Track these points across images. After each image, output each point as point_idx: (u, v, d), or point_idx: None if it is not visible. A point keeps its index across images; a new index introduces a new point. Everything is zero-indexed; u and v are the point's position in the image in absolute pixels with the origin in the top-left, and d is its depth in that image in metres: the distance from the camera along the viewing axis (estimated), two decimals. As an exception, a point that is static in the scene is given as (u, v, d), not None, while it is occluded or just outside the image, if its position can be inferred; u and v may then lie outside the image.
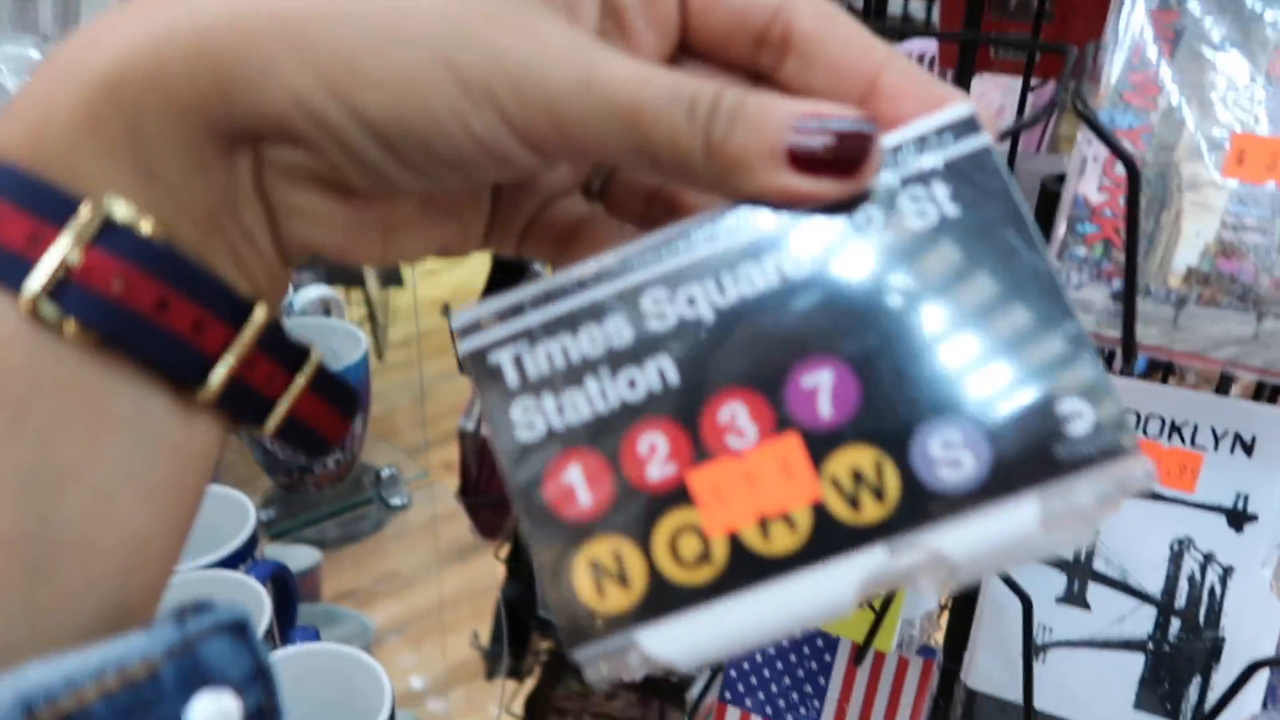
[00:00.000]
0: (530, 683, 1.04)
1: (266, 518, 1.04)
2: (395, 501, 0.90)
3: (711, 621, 0.20)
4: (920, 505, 0.20)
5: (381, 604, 1.30)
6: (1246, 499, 0.35)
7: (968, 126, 0.21)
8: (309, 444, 0.24)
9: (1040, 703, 0.38)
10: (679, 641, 0.20)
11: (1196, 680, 0.36)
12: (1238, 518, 0.35)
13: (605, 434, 0.21)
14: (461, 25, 0.20)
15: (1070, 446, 0.19)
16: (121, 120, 0.19)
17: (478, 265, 0.99)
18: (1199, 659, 0.35)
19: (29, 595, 0.19)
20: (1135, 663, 0.36)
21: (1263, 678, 0.35)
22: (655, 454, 0.21)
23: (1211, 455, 0.35)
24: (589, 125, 0.20)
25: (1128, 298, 0.29)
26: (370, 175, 0.21)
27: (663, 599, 0.20)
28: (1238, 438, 0.34)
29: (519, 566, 0.98)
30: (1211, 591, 0.35)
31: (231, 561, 0.69)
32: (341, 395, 0.25)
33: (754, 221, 0.21)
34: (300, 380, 0.23)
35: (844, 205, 0.21)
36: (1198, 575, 0.35)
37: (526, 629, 1.03)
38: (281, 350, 0.22)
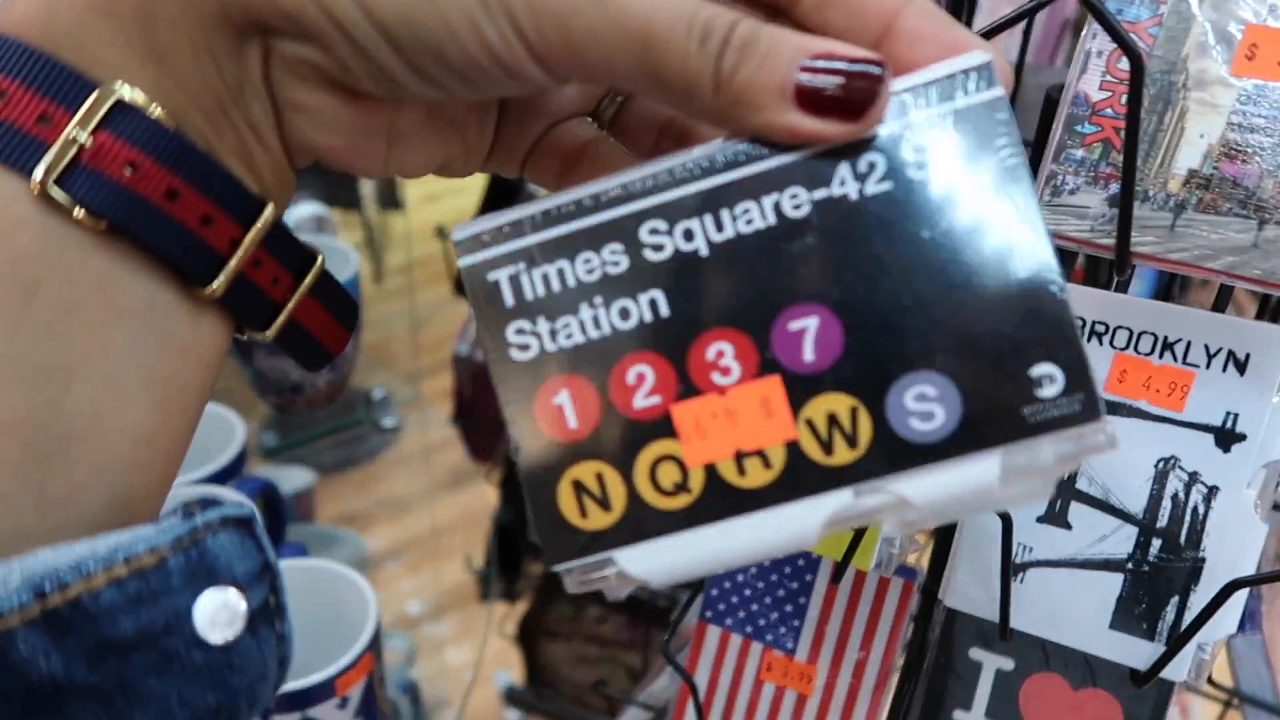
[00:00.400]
0: (523, 606, 1.05)
1: (263, 441, 1.05)
2: (387, 423, 0.90)
3: (685, 546, 0.21)
4: (890, 453, 0.21)
5: (379, 529, 1.32)
6: (1236, 418, 0.34)
7: (982, 76, 0.20)
8: (309, 353, 0.24)
9: (1017, 622, 0.38)
10: (653, 562, 0.21)
11: (1175, 600, 0.35)
12: (1226, 437, 0.34)
13: (596, 361, 0.22)
14: None
15: (1039, 409, 0.20)
16: (134, 3, 0.19)
17: (475, 193, 0.97)
18: (1178, 579, 0.35)
19: (38, 483, 0.18)
20: (1114, 583, 0.36)
21: (1240, 598, 0.34)
22: (642, 384, 0.22)
23: (1203, 373, 0.34)
24: (601, 44, 0.19)
25: (1124, 202, 0.28)
26: (379, 77, 0.20)
27: (641, 523, 0.21)
28: (1231, 355, 0.33)
29: (512, 491, 0.99)
30: (1194, 511, 0.35)
31: (220, 478, 0.69)
32: (344, 305, 0.24)
33: (757, 158, 0.21)
34: (305, 284, 0.23)
35: (848, 149, 0.21)
36: (1181, 495, 0.35)
37: (519, 553, 1.04)
38: (288, 252, 0.22)
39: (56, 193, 0.18)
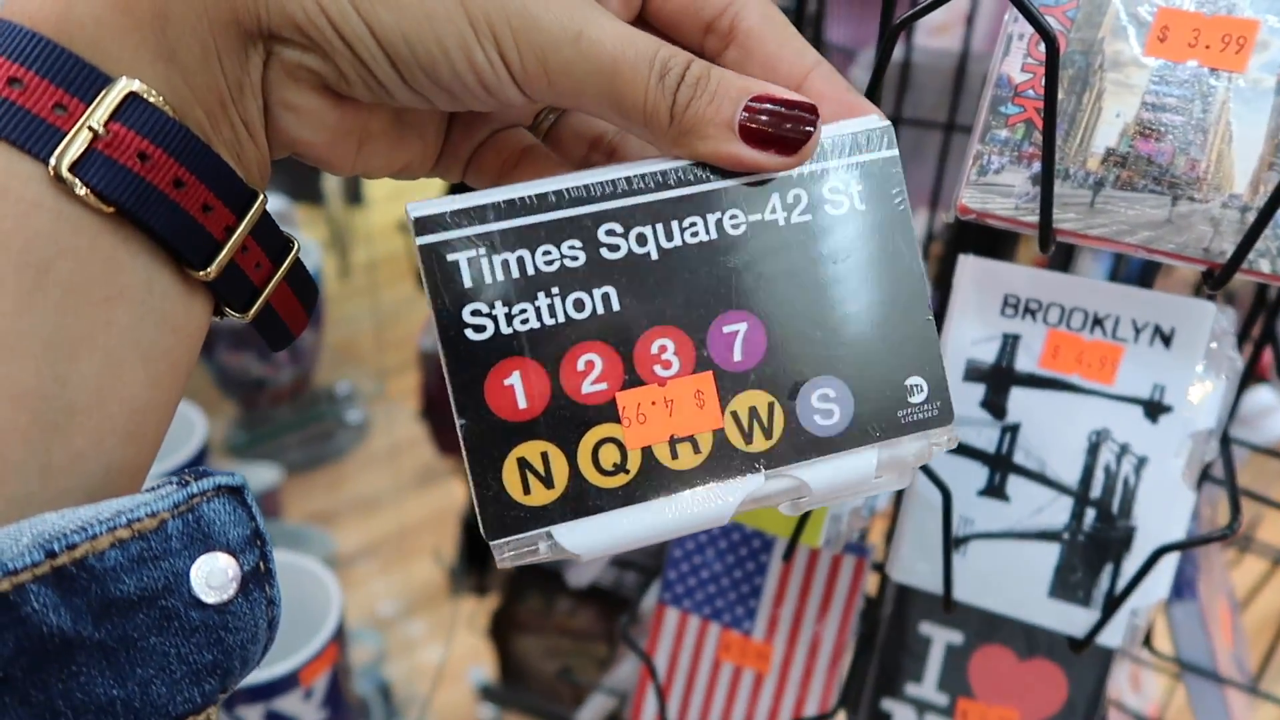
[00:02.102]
0: (493, 601, 1.05)
1: (230, 438, 1.04)
2: (352, 417, 0.90)
3: (616, 522, 0.23)
4: (797, 444, 0.24)
5: (348, 527, 1.31)
6: (1163, 390, 0.35)
7: (884, 138, 0.25)
8: (276, 334, 0.26)
9: (960, 593, 0.39)
10: (587, 537, 0.23)
11: (1109, 568, 0.36)
12: (1154, 409, 0.35)
13: (548, 346, 0.23)
14: None
15: (909, 412, 0.25)
16: (150, 2, 0.20)
17: (435, 191, 0.97)
18: (1112, 548, 0.36)
19: (44, 451, 0.19)
20: (1051, 552, 0.37)
21: (1170, 563, 0.35)
22: (591, 371, 0.24)
23: (1132, 347, 0.35)
24: (574, 74, 0.22)
25: (1045, 180, 0.29)
26: (373, 86, 0.22)
27: (580, 500, 0.23)
28: (1158, 330, 0.35)
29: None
30: (1126, 481, 0.36)
31: (181, 474, 0.68)
32: (307, 289, 0.26)
33: (705, 179, 0.24)
34: (283, 268, 0.24)
35: (779, 181, 0.24)
36: (1113, 466, 0.36)
37: (488, 548, 1.04)
38: (271, 239, 0.24)
39: (72, 178, 0.19)
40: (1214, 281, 0.29)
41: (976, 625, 0.42)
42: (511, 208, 0.23)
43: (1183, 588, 0.47)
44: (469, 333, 0.23)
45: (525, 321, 0.23)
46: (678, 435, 0.24)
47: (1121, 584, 0.36)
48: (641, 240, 0.24)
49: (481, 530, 0.23)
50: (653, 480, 0.24)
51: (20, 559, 0.17)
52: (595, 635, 0.99)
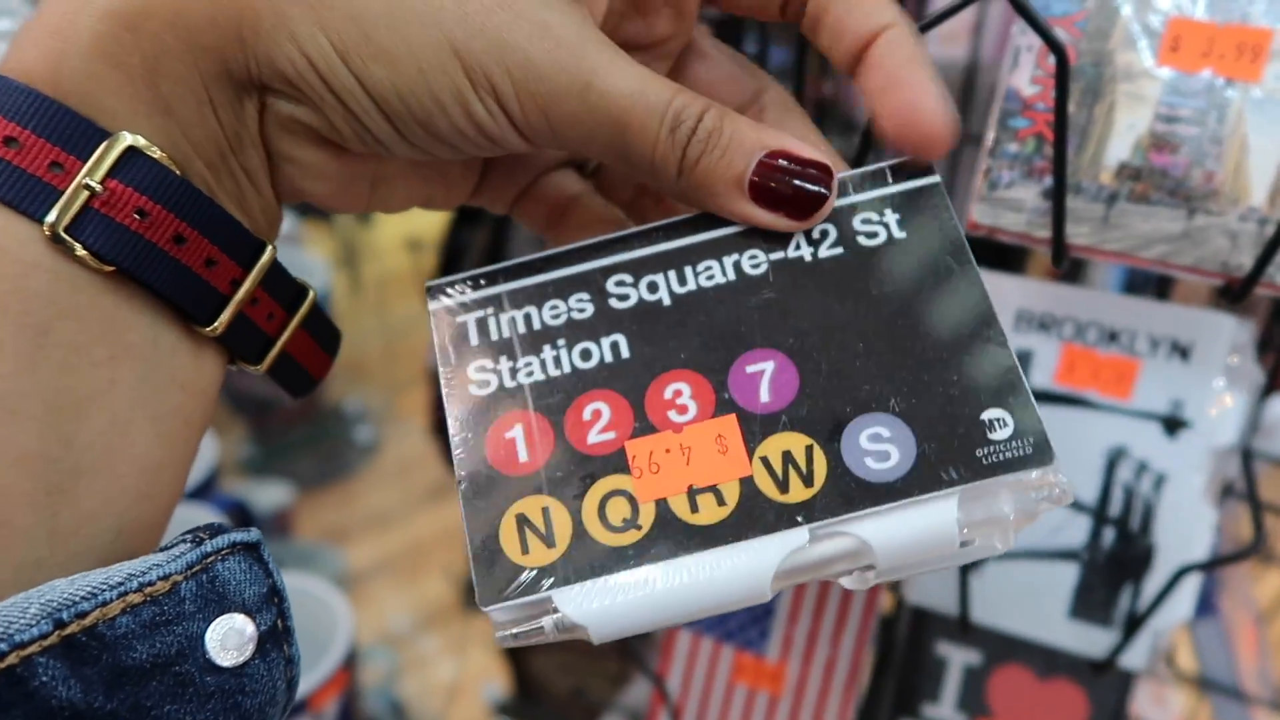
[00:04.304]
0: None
1: (240, 455, 1.04)
2: (362, 435, 0.90)
3: (629, 588, 0.20)
4: (845, 491, 0.20)
5: (360, 543, 1.31)
6: (1182, 405, 0.34)
7: (922, 168, 0.23)
8: (296, 381, 0.25)
9: (978, 614, 0.38)
10: (594, 604, 0.20)
11: (1129, 588, 0.36)
12: (1172, 424, 0.34)
13: (553, 398, 0.22)
14: (474, 11, 0.20)
15: (991, 450, 0.20)
16: (141, 55, 0.19)
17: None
18: (1132, 567, 0.35)
19: (51, 515, 0.19)
20: (1070, 573, 0.36)
21: (1192, 583, 0.35)
22: (598, 421, 0.22)
23: (1149, 362, 0.34)
24: (580, 126, 0.21)
25: (1057, 195, 0.28)
26: (367, 139, 0.22)
27: (584, 558, 0.21)
28: (1175, 344, 0.34)
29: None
30: (1145, 499, 0.35)
31: (191, 497, 0.68)
32: (327, 333, 0.26)
33: (719, 225, 0.23)
34: (297, 318, 0.24)
35: None
36: (1132, 483, 0.35)
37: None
38: (282, 289, 0.23)
39: (67, 238, 0.19)
40: (1233, 296, 0.28)
41: (995, 645, 0.41)
42: (520, 270, 0.24)
43: (1206, 605, 0.46)
44: (472, 388, 0.22)
45: (530, 374, 0.22)
46: (697, 486, 0.21)
47: (1142, 604, 0.35)
48: (653, 288, 0.23)
49: (476, 599, 0.21)
50: (670, 536, 0.20)
51: (28, 630, 0.17)
52: (607, 652, 0.98)
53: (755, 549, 0.20)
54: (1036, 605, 0.37)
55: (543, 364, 0.23)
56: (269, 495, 0.99)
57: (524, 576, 0.21)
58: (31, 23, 0.20)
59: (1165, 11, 0.28)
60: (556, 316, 0.23)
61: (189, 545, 0.19)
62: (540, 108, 0.21)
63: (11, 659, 0.16)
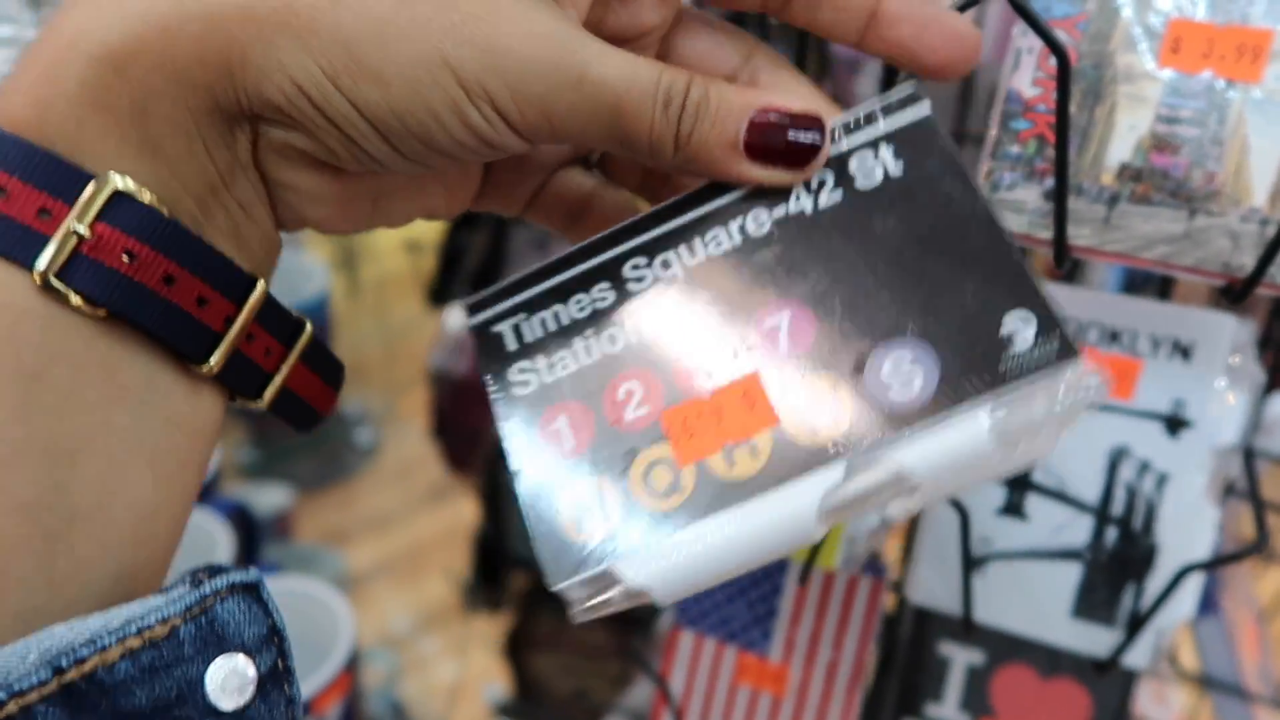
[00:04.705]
0: (507, 618, 1.05)
1: (238, 457, 1.04)
2: (362, 436, 0.90)
3: (683, 547, 0.21)
4: (874, 421, 0.21)
5: (361, 545, 1.31)
6: (1183, 405, 0.34)
7: (911, 99, 0.23)
8: (300, 416, 0.25)
9: (980, 614, 0.38)
10: (654, 567, 0.21)
11: (1132, 587, 0.36)
12: (1174, 424, 0.34)
13: (589, 385, 0.24)
14: (459, 21, 0.20)
15: (1015, 356, 0.20)
16: (130, 98, 0.19)
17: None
18: (1134, 566, 0.35)
19: (47, 561, 0.19)
20: (1073, 572, 0.36)
21: (1195, 582, 0.35)
22: (632, 399, 0.23)
23: (1150, 362, 0.34)
24: (578, 117, 0.21)
25: (1058, 196, 0.28)
26: (364, 159, 0.21)
27: (637, 527, 0.22)
28: (1176, 343, 0.34)
29: (492, 503, 0.99)
30: (1147, 499, 0.35)
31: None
32: (330, 367, 0.25)
33: (721, 191, 0.24)
34: (295, 353, 0.24)
35: None
36: (1134, 483, 0.35)
37: (501, 565, 1.04)
38: (278, 324, 0.23)
39: (57, 284, 0.19)
40: (1234, 296, 0.28)
41: (997, 645, 0.41)
42: (544, 273, 0.25)
43: (1207, 604, 0.46)
44: (516, 389, 0.24)
45: (565, 367, 0.24)
46: (732, 442, 0.22)
47: (1145, 603, 0.35)
48: (666, 264, 0.24)
49: (546, 582, 0.22)
50: (712, 495, 0.21)
51: (27, 678, 0.17)
52: (609, 652, 0.98)
53: (795, 492, 0.21)
54: (1039, 605, 0.37)
55: (575, 355, 0.24)
56: (269, 498, 0.99)
57: (585, 553, 0.22)
58: (18, 69, 0.20)
59: (1166, 13, 0.28)
60: (582, 309, 0.24)
61: (188, 587, 0.19)
62: (538, 106, 0.21)
63: (11, 707, 0.16)
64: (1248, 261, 0.28)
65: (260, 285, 0.22)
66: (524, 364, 0.24)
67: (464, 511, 1.28)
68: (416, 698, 1.12)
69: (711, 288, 0.23)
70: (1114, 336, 0.35)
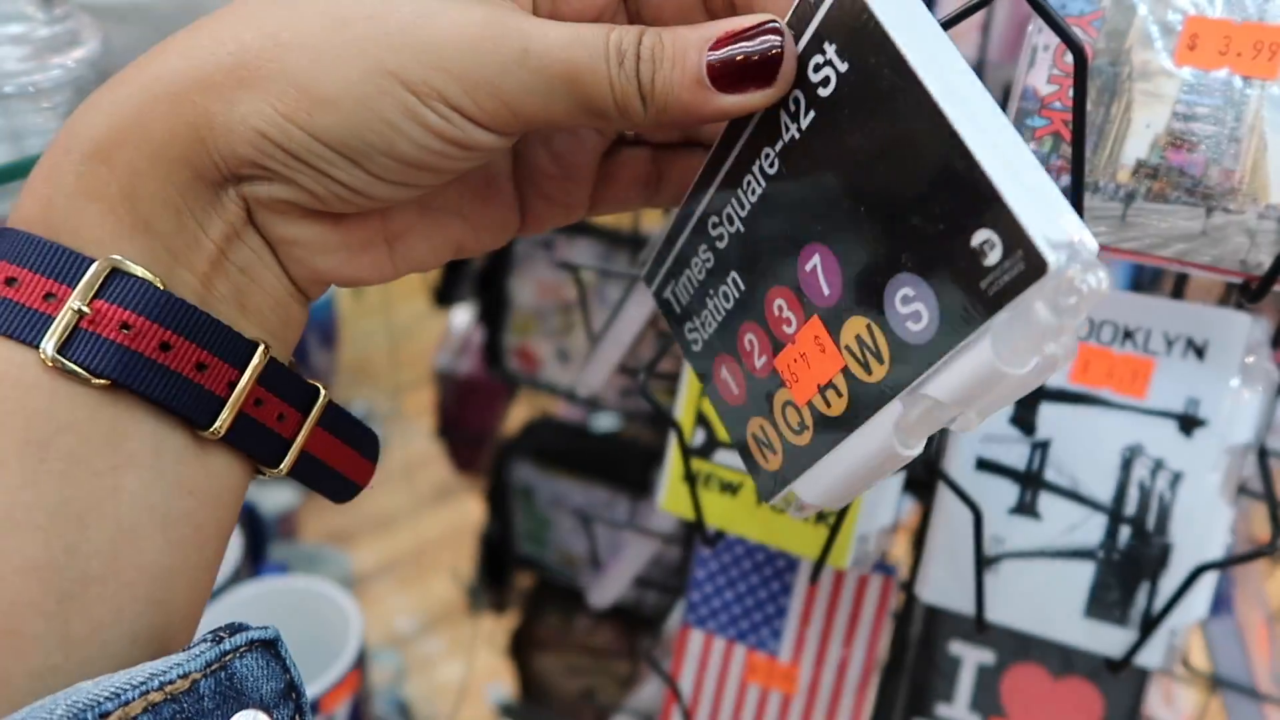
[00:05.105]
0: (512, 618, 1.05)
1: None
2: (367, 439, 0.91)
3: (825, 471, 0.24)
4: (905, 359, 0.21)
5: (366, 545, 1.31)
6: (1197, 404, 0.34)
7: None
8: (330, 484, 0.25)
9: (993, 614, 0.38)
10: (815, 487, 0.24)
11: (1145, 587, 0.36)
12: (1188, 423, 0.34)
13: (728, 339, 0.26)
14: (394, 30, 0.20)
15: (992, 278, 0.19)
16: (118, 184, 0.21)
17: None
18: (1148, 566, 0.35)
19: (61, 622, 0.19)
20: (1086, 571, 0.36)
21: (1209, 581, 0.35)
22: (755, 349, 0.25)
23: (1163, 360, 0.34)
24: (535, 94, 0.21)
25: (1075, 194, 0.28)
26: (345, 193, 0.22)
27: (795, 459, 0.25)
28: (1190, 342, 0.34)
29: (497, 504, 0.99)
30: (1161, 497, 0.35)
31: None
32: (361, 436, 0.26)
33: (735, 139, 0.24)
34: (310, 419, 0.24)
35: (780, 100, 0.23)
36: (1147, 482, 0.35)
37: (506, 565, 1.04)
38: (289, 389, 0.23)
39: (59, 358, 0.20)
40: (1252, 295, 0.28)
41: (1008, 644, 0.41)
42: (667, 242, 0.27)
43: (1219, 603, 0.46)
44: (693, 347, 0.27)
45: (710, 325, 0.26)
46: (822, 383, 0.23)
47: (1159, 603, 0.35)
48: (729, 219, 0.25)
49: (760, 496, 0.26)
50: (824, 431, 0.23)
51: None
52: (616, 653, 0.98)
53: (872, 430, 0.22)
54: (1052, 604, 0.37)
55: (713, 314, 0.26)
56: (275, 498, 0.99)
57: (773, 478, 0.25)
58: (35, 171, 0.22)
59: (1182, 10, 0.28)
60: (700, 272, 0.26)
61: (209, 644, 0.20)
62: (489, 92, 0.21)
63: None
64: (1265, 259, 0.28)
65: (259, 351, 0.22)
66: (690, 323, 0.27)
67: (469, 511, 1.28)
68: (421, 698, 1.12)
69: (761, 236, 0.24)
70: (1127, 335, 0.35)
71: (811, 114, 0.22)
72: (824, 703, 0.47)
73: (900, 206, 0.20)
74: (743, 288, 0.25)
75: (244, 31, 0.21)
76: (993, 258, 0.18)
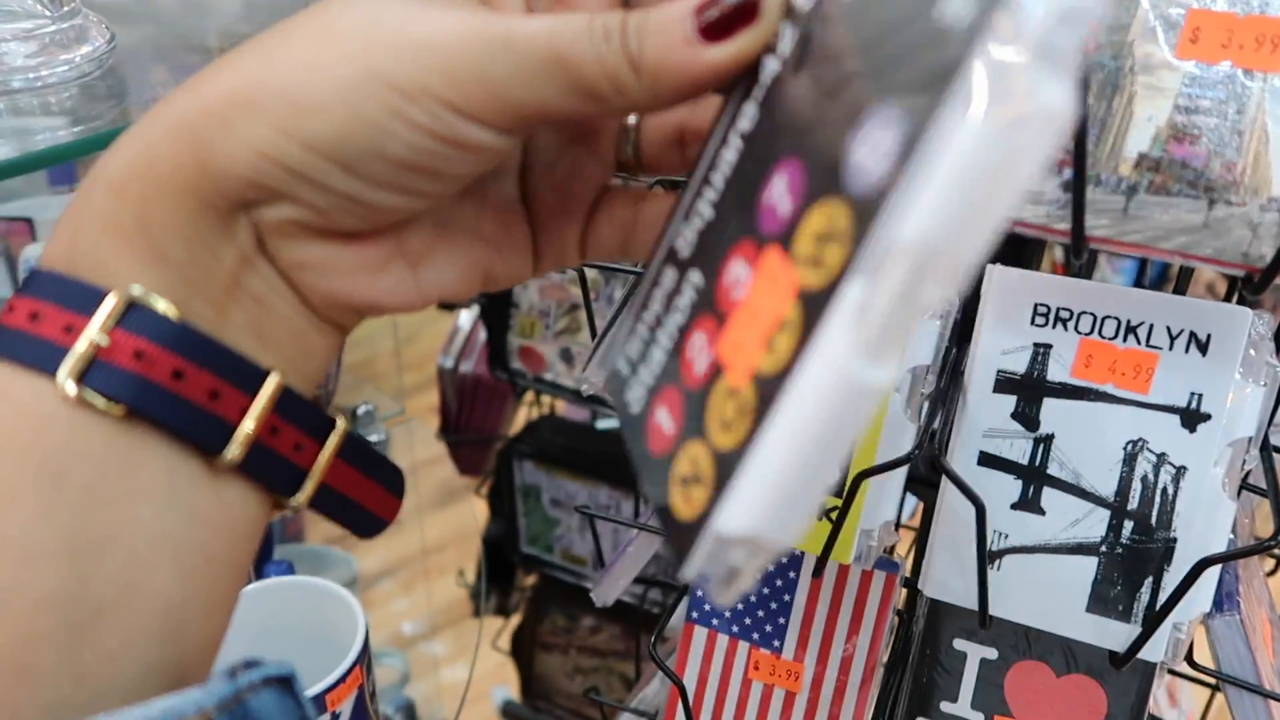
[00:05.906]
0: (516, 619, 1.05)
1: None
2: (372, 438, 0.90)
3: (767, 473, 0.18)
4: (868, 213, 0.17)
5: (370, 547, 1.31)
6: (1200, 398, 0.34)
7: None
8: (353, 517, 0.25)
9: (996, 609, 0.38)
10: (750, 507, 0.18)
11: (1149, 581, 0.36)
12: (1191, 417, 0.34)
13: (672, 363, 0.23)
14: (380, 38, 0.21)
15: (953, 39, 0.16)
16: (132, 216, 0.21)
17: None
18: (1151, 560, 0.35)
19: (73, 653, 0.20)
20: (1089, 566, 0.36)
21: (1213, 576, 0.35)
22: (701, 349, 0.22)
23: (1166, 355, 0.34)
24: (523, 80, 0.21)
25: (1076, 187, 0.28)
26: (346, 204, 0.22)
27: (724, 472, 0.20)
28: (1193, 336, 0.34)
29: (500, 505, 0.99)
30: (1164, 492, 0.35)
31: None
32: (384, 470, 0.26)
33: (720, 134, 0.23)
34: (328, 450, 0.24)
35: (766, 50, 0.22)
36: (1150, 476, 0.35)
37: (510, 567, 1.04)
38: (307, 419, 0.23)
39: (75, 387, 0.20)
40: (1254, 287, 0.28)
41: (1012, 641, 0.41)
42: (628, 297, 0.26)
43: (1223, 599, 0.46)
44: (632, 409, 0.24)
45: (657, 362, 0.23)
46: (769, 332, 0.19)
47: (1162, 597, 0.35)
48: (700, 214, 0.23)
49: (681, 575, 0.20)
50: (769, 393, 0.19)
51: None
52: (619, 652, 0.98)
53: (827, 341, 0.17)
54: (1055, 599, 0.37)
55: (661, 346, 0.23)
56: (280, 498, 0.99)
57: (693, 527, 0.20)
58: (65, 211, 0.22)
59: (1185, 3, 0.28)
60: (658, 303, 0.24)
61: (225, 680, 0.20)
62: (476, 82, 0.21)
63: None
64: (1267, 251, 0.28)
65: (272, 377, 0.22)
66: (633, 381, 0.24)
67: (473, 513, 1.28)
68: (425, 699, 1.12)
69: (730, 202, 0.22)
70: (1130, 330, 0.35)
71: (795, 33, 0.21)
72: (827, 700, 0.47)
73: (863, 69, 0.19)
74: (699, 282, 0.23)
75: (245, 58, 0.21)
76: (949, 11, 0.17)
